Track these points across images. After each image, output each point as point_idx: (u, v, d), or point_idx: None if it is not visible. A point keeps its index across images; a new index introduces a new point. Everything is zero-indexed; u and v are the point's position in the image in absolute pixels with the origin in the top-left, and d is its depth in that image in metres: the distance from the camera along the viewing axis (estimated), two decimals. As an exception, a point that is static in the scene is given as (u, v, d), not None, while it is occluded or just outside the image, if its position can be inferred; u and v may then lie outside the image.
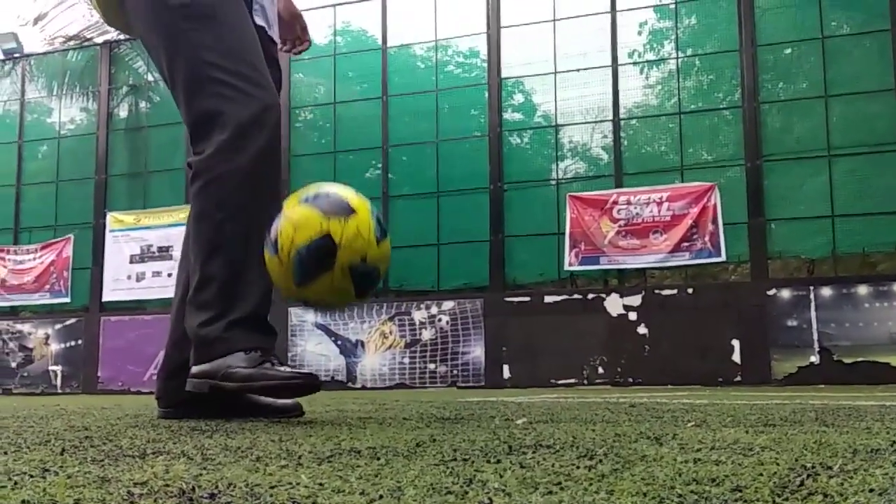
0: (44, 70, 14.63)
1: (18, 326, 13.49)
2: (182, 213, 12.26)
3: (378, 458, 1.31)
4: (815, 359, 9.75)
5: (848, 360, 9.64)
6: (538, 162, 11.86)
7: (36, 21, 17.27)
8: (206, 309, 2.39)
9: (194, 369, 2.40)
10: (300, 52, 3.07)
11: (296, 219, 2.16)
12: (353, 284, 2.18)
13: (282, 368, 2.35)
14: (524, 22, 11.76)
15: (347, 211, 2.18)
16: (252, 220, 2.38)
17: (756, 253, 10.31)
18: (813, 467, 1.16)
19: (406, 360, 11.31)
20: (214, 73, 2.43)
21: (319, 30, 12.63)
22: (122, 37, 14.26)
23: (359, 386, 11.35)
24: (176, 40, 2.49)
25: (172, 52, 2.51)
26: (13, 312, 13.89)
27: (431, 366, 11.20)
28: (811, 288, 10.01)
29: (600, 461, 1.24)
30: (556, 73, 11.53)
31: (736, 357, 10.04)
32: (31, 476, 1.14)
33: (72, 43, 16.64)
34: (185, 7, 2.46)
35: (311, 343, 11.74)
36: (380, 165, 12.20)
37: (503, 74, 11.78)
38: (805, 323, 9.85)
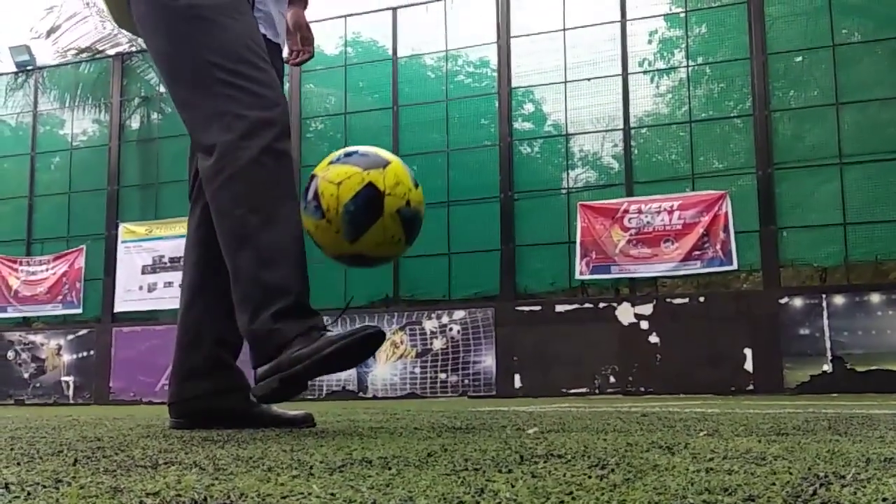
0: (56, 82, 14.72)
1: (31, 337, 13.54)
2: (194, 224, 12.28)
3: (389, 468, 1.31)
4: (827, 367, 9.70)
5: (861, 369, 9.59)
6: (548, 171, 11.86)
7: (48, 34, 17.35)
8: (250, 302, 2.35)
9: (259, 371, 2.34)
10: (302, 63, 3.06)
11: (335, 177, 2.17)
12: (403, 229, 2.20)
13: (344, 339, 2.26)
14: (534, 32, 11.78)
15: (383, 162, 2.22)
16: (273, 210, 2.36)
17: (768, 261, 10.27)
18: (826, 476, 1.15)
19: (417, 370, 11.30)
20: (219, 73, 2.42)
21: (330, 41, 12.70)
22: (133, 48, 14.35)
23: (370, 396, 11.35)
24: (179, 42, 2.49)
25: (175, 55, 2.51)
26: (26, 323, 13.95)
27: (442, 375, 11.19)
28: (823, 296, 9.97)
29: (612, 471, 1.24)
30: (566, 82, 11.54)
31: (748, 366, 10.00)
32: (44, 487, 1.14)
33: (84, 55, 16.72)
34: (188, 9, 2.46)
35: (323, 353, 11.71)
36: (390, 176, 12.20)
37: (513, 84, 11.79)
38: (818, 331, 9.80)
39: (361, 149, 2.28)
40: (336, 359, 2.25)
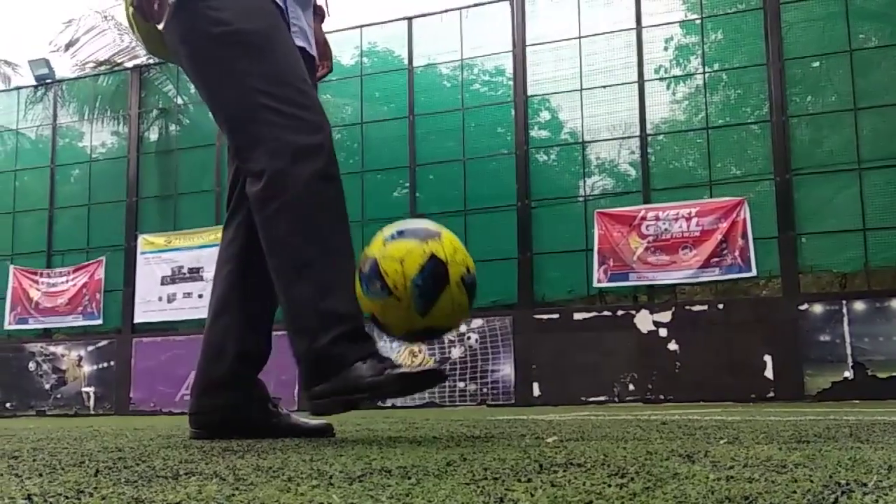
0: (75, 95, 14.85)
1: (52, 348, 13.63)
2: (212, 235, 12.37)
3: (409, 478, 1.31)
4: (848, 374, 9.63)
5: (882, 375, 9.51)
6: (565, 179, 11.85)
7: (67, 47, 17.51)
8: (307, 332, 2.38)
9: (316, 390, 2.37)
10: (321, 78, 3.07)
11: (395, 254, 2.17)
12: (468, 296, 2.22)
13: (405, 368, 2.36)
14: (550, 40, 11.79)
15: (435, 233, 2.24)
16: (330, 238, 2.40)
17: (787, 268, 10.22)
18: (847, 484, 1.15)
19: (435, 379, 11.27)
20: (264, 100, 2.42)
21: (346, 51, 12.75)
22: (151, 61, 14.45)
23: (388, 405, 11.34)
24: (221, 70, 2.49)
25: (218, 83, 2.51)
26: (47, 334, 14.05)
27: (461, 384, 11.18)
28: (844, 302, 9.91)
29: (632, 479, 1.24)
30: (582, 89, 11.53)
31: (768, 373, 9.94)
32: (67, 497, 1.15)
33: (102, 68, 16.87)
34: (228, 36, 2.46)
35: (341, 362, 11.74)
36: (407, 184, 12.25)
37: (529, 92, 11.80)
38: (838, 338, 9.74)
39: (408, 225, 2.30)
40: (393, 393, 2.35)
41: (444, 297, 2.17)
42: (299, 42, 2.68)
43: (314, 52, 2.82)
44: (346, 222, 2.45)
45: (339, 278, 2.36)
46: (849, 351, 9.67)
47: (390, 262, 2.18)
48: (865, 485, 1.14)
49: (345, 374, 2.30)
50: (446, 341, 11.28)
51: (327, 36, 3.10)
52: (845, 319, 9.75)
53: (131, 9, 2.63)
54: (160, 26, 2.52)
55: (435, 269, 2.15)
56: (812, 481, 1.18)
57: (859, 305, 9.79)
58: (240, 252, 2.72)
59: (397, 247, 2.20)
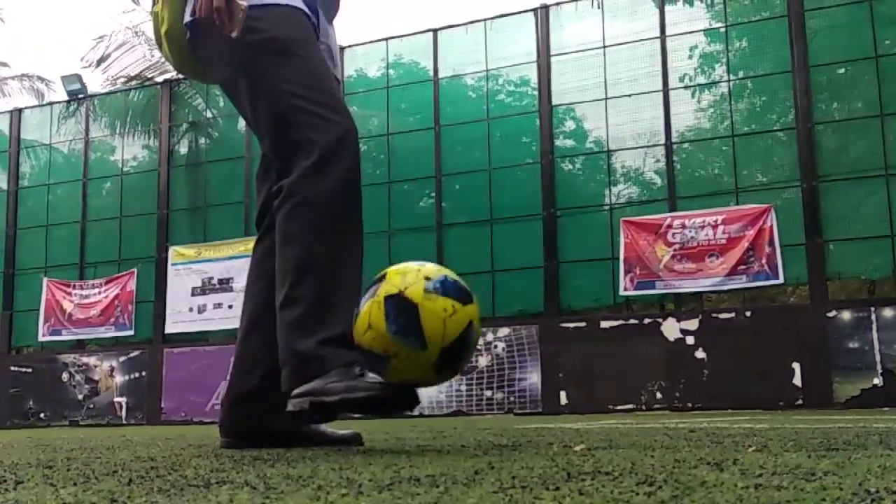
0: (107, 109, 15.01)
1: (84, 359, 13.76)
2: (242, 246, 12.45)
3: (437, 486, 1.32)
4: (878, 381, 9.53)
5: (913, 383, 9.41)
6: (591, 187, 11.83)
7: (99, 63, 17.68)
8: (297, 328, 2.38)
9: (296, 391, 2.35)
10: None
11: (440, 311, 2.14)
12: (446, 297, 2.17)
13: (378, 382, 2.27)
14: (574, 49, 11.78)
15: (471, 295, 2.21)
16: (339, 243, 2.42)
17: (815, 275, 10.14)
18: (877, 492, 1.14)
19: (463, 388, 11.29)
20: (297, 102, 2.49)
21: (373, 63, 12.82)
22: (181, 76, 14.56)
23: (416, 414, 11.34)
24: (257, 77, 2.56)
25: (255, 89, 2.57)
26: (80, 345, 14.18)
27: (488, 393, 11.17)
28: (872, 309, 9.81)
29: (660, 488, 1.24)
30: (606, 98, 11.52)
31: (797, 380, 9.85)
32: (103, 506, 1.17)
33: (133, 83, 17.02)
34: (264, 44, 2.53)
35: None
36: (433, 195, 12.27)
37: (554, 101, 11.79)
38: (867, 344, 9.64)
39: (449, 276, 2.22)
40: (365, 405, 2.29)
41: (424, 318, 2.10)
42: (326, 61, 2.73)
43: (337, 72, 2.86)
44: (360, 227, 2.46)
45: (343, 284, 2.38)
46: (878, 358, 9.57)
47: (433, 319, 2.12)
48: (895, 493, 1.14)
49: (322, 381, 2.28)
50: (473, 351, 11.26)
51: (355, 48, 3.15)
52: (874, 326, 9.65)
53: (165, 25, 2.68)
54: (234, 34, 2.56)
55: (396, 305, 2.11)
56: (841, 489, 1.18)
57: (888, 312, 9.68)
58: (272, 269, 2.75)
59: (443, 304, 2.13)
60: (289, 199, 2.46)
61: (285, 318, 2.42)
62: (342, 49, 11.97)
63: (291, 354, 2.39)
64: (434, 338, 2.12)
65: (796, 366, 9.88)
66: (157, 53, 17.10)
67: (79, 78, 14.92)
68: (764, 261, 10.20)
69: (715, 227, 10.47)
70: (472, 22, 12.39)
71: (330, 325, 2.35)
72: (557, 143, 11.90)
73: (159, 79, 16.23)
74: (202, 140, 14.30)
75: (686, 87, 11.29)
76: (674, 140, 11.16)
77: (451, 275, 2.23)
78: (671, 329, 10.49)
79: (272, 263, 2.75)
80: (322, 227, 2.42)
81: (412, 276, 2.17)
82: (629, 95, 11.38)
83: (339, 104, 2.58)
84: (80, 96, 14.93)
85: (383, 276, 2.21)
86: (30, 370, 14.06)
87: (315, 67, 2.58)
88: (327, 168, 2.43)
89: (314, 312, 2.37)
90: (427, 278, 2.17)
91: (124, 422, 13.13)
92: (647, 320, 10.74)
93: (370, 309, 2.15)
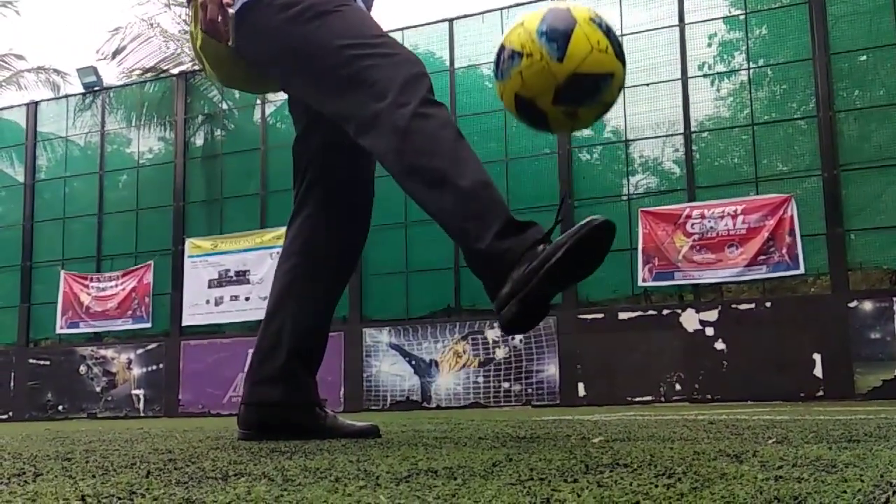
0: (122, 102, 15.07)
1: (102, 352, 13.84)
2: (258, 238, 12.48)
3: (455, 478, 1.31)
4: (900, 372, 9.47)
5: (936, 373, 9.35)
6: (609, 178, 11.79)
7: (114, 55, 17.80)
8: (466, 235, 2.25)
9: (497, 301, 2.19)
10: None
11: (516, 26, 2.19)
12: (606, 37, 2.17)
13: (568, 231, 2.13)
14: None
15: (624, 59, 2.26)
16: (454, 152, 2.32)
17: (836, 265, 10.07)
18: (899, 484, 1.13)
19: (480, 380, 11.29)
20: (355, 51, 2.44)
21: (388, 53, 12.78)
22: (196, 67, 14.62)
23: (433, 406, 11.37)
24: (306, 47, 2.51)
25: (308, 58, 2.52)
26: (97, 338, 14.27)
27: (506, 384, 11.17)
28: (894, 299, 9.74)
29: (679, 480, 1.23)
30: (624, 87, 11.41)
31: (817, 371, 9.80)
32: (120, 498, 1.17)
33: (149, 75, 17.12)
34: (302, 13, 2.50)
35: (386, 363, 11.81)
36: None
37: (571, 91, 11.72)
38: (889, 335, 9.57)
39: (616, 34, 2.25)
40: (568, 262, 2.08)
41: (577, 35, 2.11)
42: None
43: None
44: (458, 131, 2.37)
45: (477, 182, 2.28)
46: (900, 349, 9.50)
47: (512, 32, 2.18)
48: (918, 485, 1.13)
49: (518, 273, 2.12)
50: (490, 342, 11.28)
51: None
52: (895, 316, 9.58)
53: (199, 41, 2.64)
54: (230, 42, 2.54)
55: (557, 14, 2.12)
56: (863, 481, 1.17)
57: (911, 302, 9.61)
58: (304, 247, 2.74)
59: (517, 24, 2.19)
60: (388, 139, 2.36)
61: (452, 235, 2.31)
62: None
63: (477, 262, 2.25)
64: (573, 57, 2.11)
65: (817, 357, 9.82)
66: (173, 45, 17.21)
67: (94, 70, 14.99)
68: (784, 251, 10.14)
69: (734, 216, 10.41)
70: (488, 11, 12.34)
71: (492, 219, 2.22)
72: (575, 132, 11.85)
73: (175, 71, 16.32)
74: (218, 132, 14.34)
75: (705, 76, 11.22)
76: (693, 129, 11.10)
77: (613, 30, 2.23)
78: (690, 320, 10.45)
79: (301, 242, 2.74)
80: (431, 144, 2.33)
81: (583, 9, 2.18)
82: (647, 84, 11.32)
83: (392, 41, 2.52)
84: (96, 89, 14.99)
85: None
86: (48, 363, 14.16)
87: (356, 16, 2.54)
88: (408, 97, 2.36)
89: (471, 216, 2.24)
90: (598, 17, 2.18)
91: (142, 414, 13.22)
92: (665, 311, 10.70)
93: (531, 14, 2.17)
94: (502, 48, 2.20)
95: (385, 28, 2.62)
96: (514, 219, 2.20)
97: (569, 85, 2.16)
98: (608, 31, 2.18)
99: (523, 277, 2.10)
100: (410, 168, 2.33)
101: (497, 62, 2.24)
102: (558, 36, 2.10)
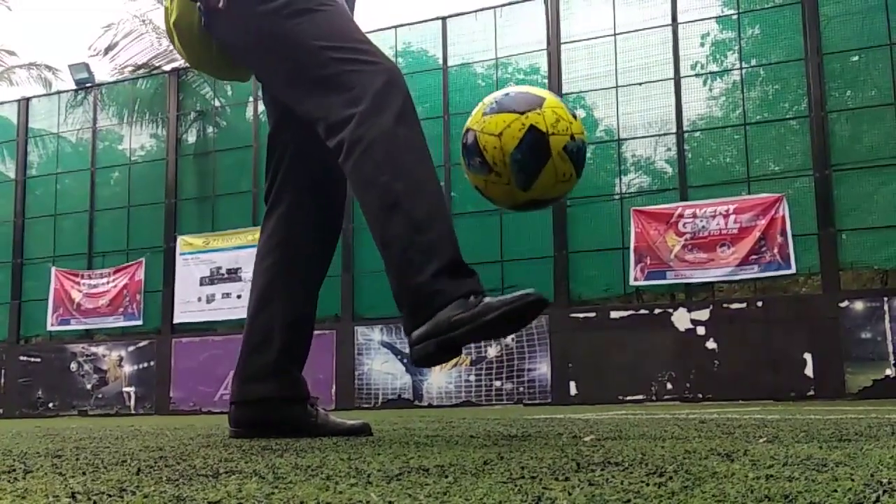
0: (114, 98, 15.04)
1: (93, 349, 13.82)
2: (250, 235, 12.47)
3: (446, 476, 1.31)
4: (890, 371, 9.50)
5: (926, 373, 9.39)
6: (601, 177, 11.80)
7: (106, 51, 17.74)
8: (405, 266, 2.25)
9: (414, 335, 2.23)
10: None
11: (494, 128, 2.16)
12: (573, 165, 2.20)
13: (503, 298, 2.15)
14: (584, 37, 11.74)
15: (538, 101, 2.20)
16: (416, 172, 2.31)
17: (827, 264, 10.10)
18: (889, 483, 1.13)
19: (472, 378, 11.30)
20: (333, 53, 2.42)
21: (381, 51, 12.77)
22: (188, 64, 14.58)
23: (425, 404, 11.37)
24: (285, 42, 2.49)
25: (284, 55, 2.50)
26: (88, 335, 14.24)
27: (497, 383, 11.18)
28: (885, 299, 9.78)
29: (670, 478, 1.23)
30: (617, 87, 11.48)
31: (808, 371, 9.83)
32: (110, 496, 1.16)
33: (141, 71, 17.07)
34: (282, 8, 2.47)
35: (378, 362, 11.81)
36: (442, 184, 12.26)
37: (564, 90, 11.75)
38: (879, 335, 9.61)
39: (511, 91, 2.26)
40: (495, 326, 2.14)
41: (547, 169, 2.15)
42: None
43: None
44: (428, 155, 2.36)
45: (432, 212, 2.26)
46: (890, 349, 9.54)
47: (488, 137, 2.17)
48: (908, 484, 1.13)
49: (441, 314, 2.15)
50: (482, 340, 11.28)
51: None
52: (887, 316, 9.61)
53: (174, 16, 2.63)
54: (220, 4, 2.52)
55: (534, 141, 2.13)
56: (853, 480, 1.17)
57: (902, 302, 9.65)
58: (280, 244, 2.73)
59: (495, 120, 2.18)
60: (353, 147, 2.35)
61: (390, 261, 2.30)
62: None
63: (406, 294, 2.26)
64: (537, 188, 2.17)
65: (808, 356, 9.85)
66: (165, 42, 17.14)
67: (86, 67, 14.95)
68: (776, 250, 10.17)
69: (726, 216, 10.44)
70: (482, 9, 12.36)
71: (436, 257, 2.22)
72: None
73: (167, 67, 16.28)
74: (210, 129, 14.32)
75: (698, 75, 11.25)
76: (685, 129, 11.12)
77: (518, 90, 2.26)
78: (682, 319, 10.47)
79: (278, 239, 2.73)
80: (394, 163, 2.31)
81: (563, 125, 2.19)
82: (640, 84, 11.34)
83: (375, 49, 2.50)
84: (88, 85, 14.96)
85: (542, 102, 2.21)
86: (38, 360, 14.13)
87: (340, 18, 2.51)
88: (382, 108, 2.34)
89: (416, 247, 2.24)
90: (572, 138, 2.20)
91: (133, 412, 13.19)
92: (657, 310, 10.72)
93: (512, 123, 2.16)
94: (475, 138, 2.19)
95: (378, 26, 2.61)
96: (459, 260, 2.22)
97: (526, 205, 2.27)
98: (577, 152, 2.21)
99: (448, 323, 2.14)
100: (368, 181, 2.33)
101: (468, 145, 2.23)
102: (530, 168, 2.15)
